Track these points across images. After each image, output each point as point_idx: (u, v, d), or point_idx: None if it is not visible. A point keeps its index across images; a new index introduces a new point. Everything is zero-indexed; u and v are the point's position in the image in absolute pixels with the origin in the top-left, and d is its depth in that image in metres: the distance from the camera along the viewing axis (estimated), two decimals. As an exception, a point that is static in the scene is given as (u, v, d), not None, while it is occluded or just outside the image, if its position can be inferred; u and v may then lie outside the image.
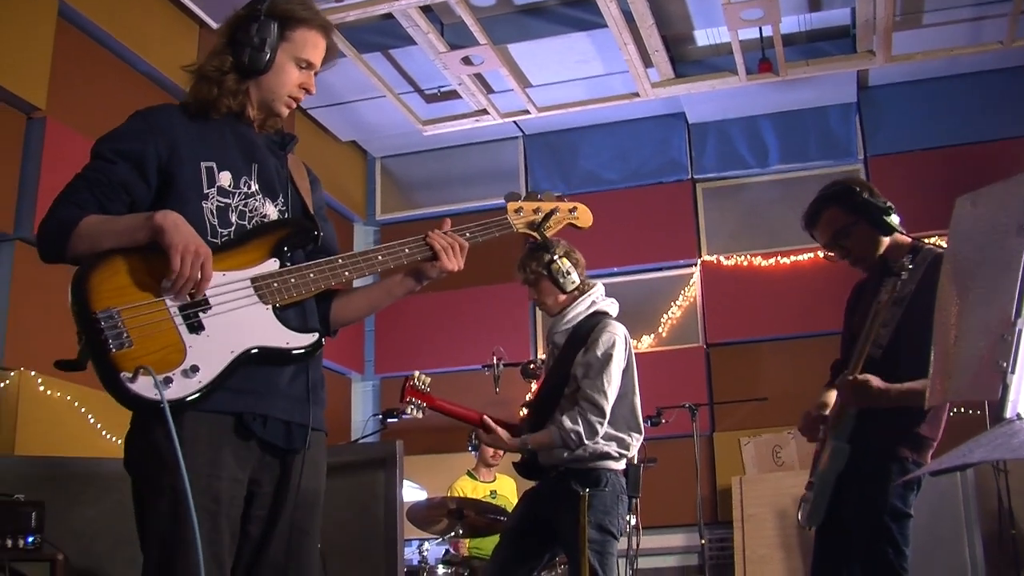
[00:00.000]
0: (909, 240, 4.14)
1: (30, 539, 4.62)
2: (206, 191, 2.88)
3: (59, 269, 6.50)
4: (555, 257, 4.82)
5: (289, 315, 2.87)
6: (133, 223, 2.74)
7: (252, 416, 2.78)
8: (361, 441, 7.65)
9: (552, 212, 3.40)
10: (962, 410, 6.92)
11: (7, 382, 6.12)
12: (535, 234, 3.37)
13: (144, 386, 2.61)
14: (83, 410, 6.39)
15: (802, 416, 4.16)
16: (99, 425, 6.44)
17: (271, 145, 3.12)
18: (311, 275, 2.90)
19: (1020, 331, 1.69)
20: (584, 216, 3.50)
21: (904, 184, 9.04)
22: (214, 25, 7.97)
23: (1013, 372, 1.70)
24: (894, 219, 4.06)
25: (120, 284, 2.70)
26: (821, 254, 4.41)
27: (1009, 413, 1.70)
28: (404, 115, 9.42)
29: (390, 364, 10.17)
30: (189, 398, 2.66)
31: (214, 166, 2.91)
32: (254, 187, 2.97)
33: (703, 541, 7.65)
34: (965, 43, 8.60)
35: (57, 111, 6.65)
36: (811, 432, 4.12)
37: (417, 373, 4.80)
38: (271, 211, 2.99)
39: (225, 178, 2.92)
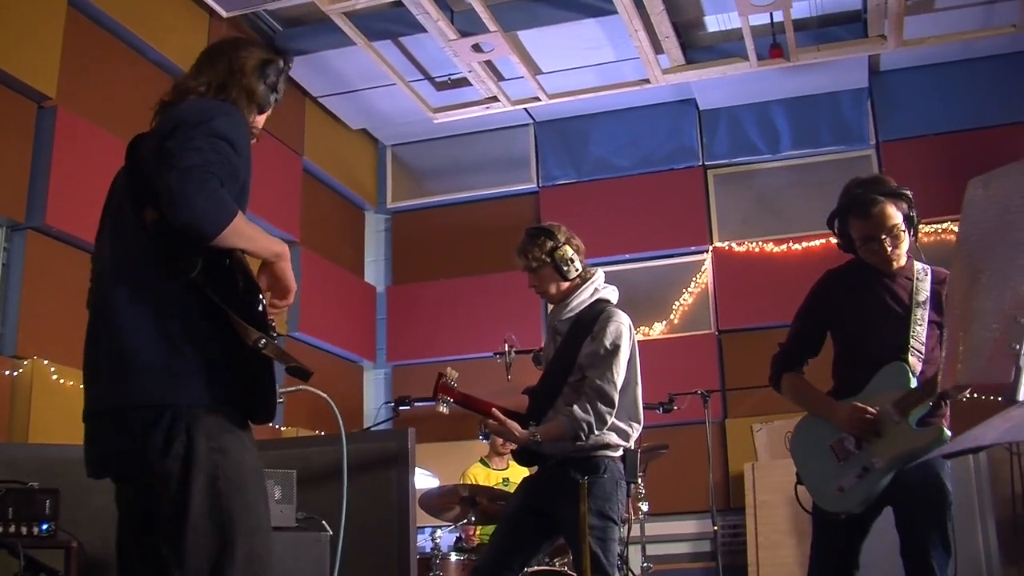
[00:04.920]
0: None
1: (44, 526, 4.63)
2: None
3: (71, 259, 6.47)
4: (559, 244, 4.77)
5: None
6: (266, 240, 2.95)
7: None
8: (373, 429, 7.67)
9: None
10: (974, 395, 6.90)
11: (20, 371, 6.14)
12: None
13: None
14: (96, 398, 6.40)
15: (854, 421, 4.15)
16: (112, 413, 6.46)
17: None
18: None
19: (1033, 314, 1.68)
20: None
21: (916, 169, 9.01)
22: (224, 13, 7.99)
23: (1026, 355, 1.70)
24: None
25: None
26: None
27: (1021, 396, 1.70)
28: (415, 103, 9.41)
29: (402, 352, 10.18)
30: None
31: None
32: None
33: (715, 527, 7.65)
34: (977, 27, 8.56)
35: (67, 100, 6.65)
36: (873, 432, 4.13)
37: (448, 370, 4.77)
38: None
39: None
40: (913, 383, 4.09)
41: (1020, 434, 1.71)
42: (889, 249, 4.21)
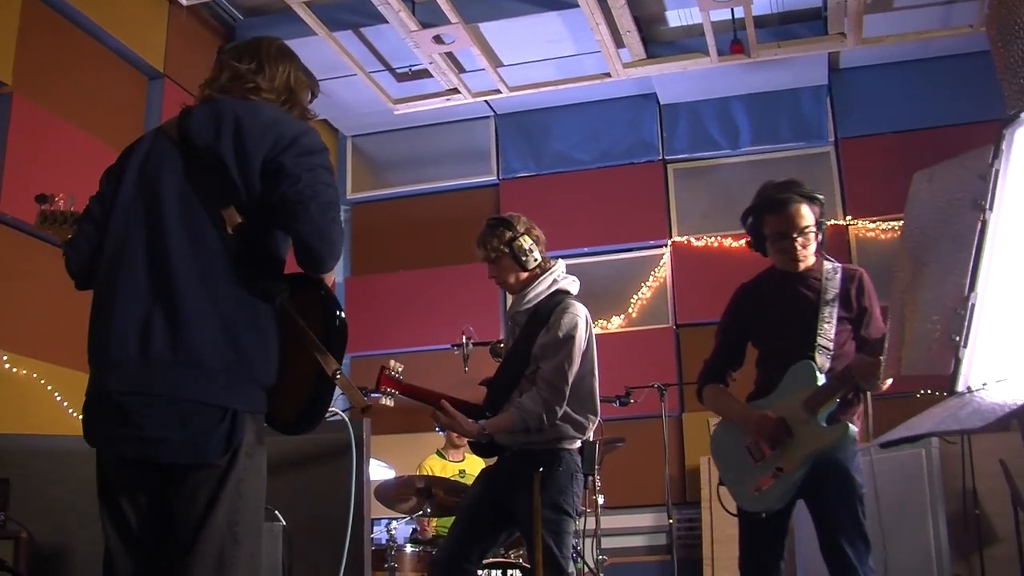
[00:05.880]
0: None
1: (-7, 517, 4.60)
2: None
3: (25, 247, 6.39)
4: (517, 235, 4.77)
5: None
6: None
7: None
8: (330, 419, 7.63)
9: None
10: (928, 391, 6.98)
11: (-28, 359, 6.09)
12: None
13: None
14: (49, 388, 6.36)
15: (764, 428, 4.31)
16: (66, 403, 6.41)
17: None
18: None
19: (973, 305, 1.70)
20: None
21: (874, 167, 9.09)
22: (184, 1, 7.93)
23: (965, 346, 1.72)
24: None
25: None
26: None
27: (960, 387, 1.72)
28: (375, 94, 9.38)
29: (361, 343, 10.14)
30: None
31: None
32: None
33: (671, 521, 7.68)
34: (936, 27, 8.63)
35: (23, 87, 6.59)
36: (784, 435, 4.27)
37: (392, 362, 4.76)
38: None
39: None
40: (820, 380, 4.23)
41: (955, 423, 1.74)
42: (799, 248, 4.37)
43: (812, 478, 4.20)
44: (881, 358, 4.02)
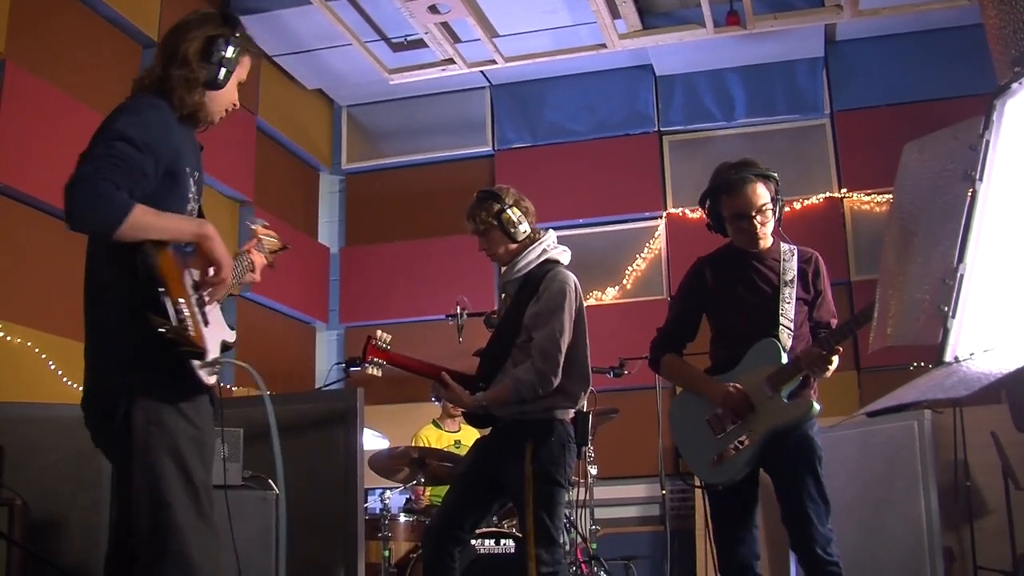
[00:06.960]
0: None
1: (-12, 484, 4.62)
2: (189, 195, 3.27)
3: (18, 215, 6.37)
4: (505, 207, 4.79)
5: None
6: (181, 225, 3.10)
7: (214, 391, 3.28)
8: (324, 389, 7.66)
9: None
10: (921, 364, 6.98)
11: (-34, 328, 6.09)
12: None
13: (200, 370, 3.08)
14: (43, 356, 6.35)
15: (729, 400, 4.39)
16: (59, 371, 6.42)
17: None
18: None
19: (961, 276, 1.70)
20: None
21: (869, 139, 9.06)
22: (178, -30, 7.89)
23: (954, 316, 1.72)
24: None
25: (175, 277, 3.06)
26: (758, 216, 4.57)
27: (948, 357, 1.73)
28: (370, 63, 9.35)
29: (355, 314, 10.17)
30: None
31: (193, 172, 3.29)
32: (197, 190, 3.35)
33: (664, 492, 7.71)
34: (932, -1, 8.61)
35: (16, 55, 6.55)
36: (747, 407, 4.37)
37: (379, 332, 4.78)
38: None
39: (194, 183, 3.30)
40: (784, 359, 4.33)
41: (941, 392, 1.76)
42: (758, 227, 4.46)
43: (772, 444, 4.29)
44: (825, 352, 4.24)
